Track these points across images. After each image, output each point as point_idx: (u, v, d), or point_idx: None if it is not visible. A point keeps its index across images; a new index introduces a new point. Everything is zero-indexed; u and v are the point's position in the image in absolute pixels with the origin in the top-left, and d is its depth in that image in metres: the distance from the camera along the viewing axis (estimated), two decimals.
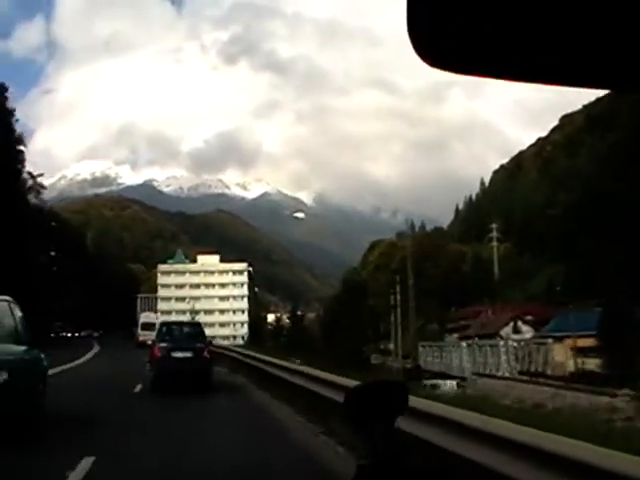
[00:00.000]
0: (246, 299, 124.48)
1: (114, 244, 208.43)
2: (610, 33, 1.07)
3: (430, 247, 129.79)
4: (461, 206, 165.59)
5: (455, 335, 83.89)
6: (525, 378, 43.18)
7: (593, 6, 1.06)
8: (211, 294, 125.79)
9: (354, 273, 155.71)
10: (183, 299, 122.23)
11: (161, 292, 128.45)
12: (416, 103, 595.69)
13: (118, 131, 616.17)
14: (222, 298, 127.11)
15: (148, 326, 71.52)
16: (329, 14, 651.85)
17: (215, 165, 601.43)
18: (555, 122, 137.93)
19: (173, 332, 23.62)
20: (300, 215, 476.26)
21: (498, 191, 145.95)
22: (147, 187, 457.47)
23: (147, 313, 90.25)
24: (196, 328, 24.61)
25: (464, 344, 49.45)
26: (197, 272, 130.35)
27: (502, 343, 47.91)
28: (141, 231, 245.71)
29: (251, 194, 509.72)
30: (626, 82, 1.18)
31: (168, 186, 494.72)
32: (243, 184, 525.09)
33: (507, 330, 73.87)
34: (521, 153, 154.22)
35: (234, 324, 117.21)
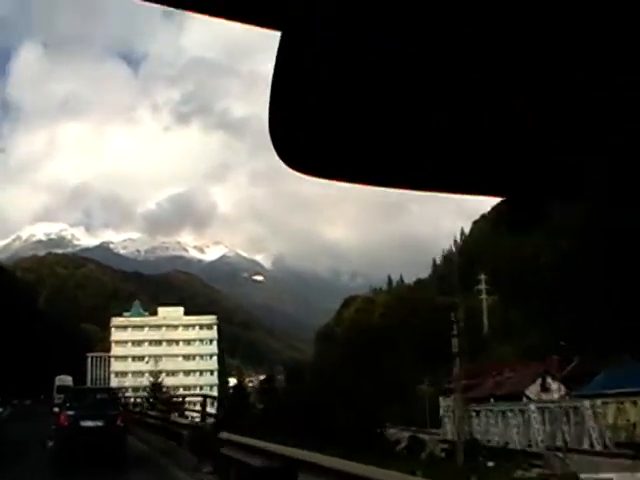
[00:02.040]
0: (215, 358, 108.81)
1: (67, 303, 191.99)
2: (459, 138, 1.12)
3: (413, 300, 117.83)
4: (438, 260, 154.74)
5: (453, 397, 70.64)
6: (630, 452, 29.89)
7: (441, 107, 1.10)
8: (174, 352, 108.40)
9: (328, 328, 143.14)
10: (142, 358, 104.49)
11: (115, 350, 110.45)
12: None
13: (71, 193, 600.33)
14: (187, 357, 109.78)
15: (64, 390, 58.11)
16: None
17: (170, 227, 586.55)
18: None
19: (82, 398, 21.82)
20: (259, 278, 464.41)
21: (480, 242, 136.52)
22: (103, 249, 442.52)
23: (62, 376, 76.37)
24: (109, 393, 23.65)
25: (532, 406, 35.58)
26: (158, 326, 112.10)
27: (587, 404, 34.08)
28: (96, 291, 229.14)
29: (209, 256, 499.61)
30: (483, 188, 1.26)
31: (125, 248, 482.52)
32: (200, 247, 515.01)
33: (533, 389, 61.42)
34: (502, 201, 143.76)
35: (201, 387, 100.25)
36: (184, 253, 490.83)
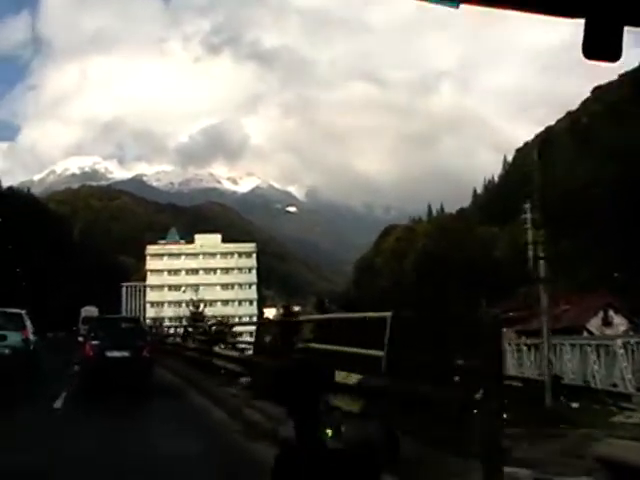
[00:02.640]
0: (255, 287, 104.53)
1: (101, 235, 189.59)
2: None
3: (455, 231, 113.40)
4: (479, 189, 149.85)
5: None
6: None
7: None
8: (212, 281, 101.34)
9: (365, 260, 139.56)
10: (178, 287, 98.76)
11: (151, 279, 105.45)
12: (405, 96, 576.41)
13: (104, 127, 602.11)
14: (226, 286, 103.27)
15: (90, 321, 55.21)
16: (315, 3, 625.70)
17: (203, 160, 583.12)
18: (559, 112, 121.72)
19: (108, 328, 20.58)
20: (292, 209, 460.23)
21: (525, 170, 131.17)
22: (136, 182, 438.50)
23: (88, 307, 75.50)
24: (135, 323, 22.60)
25: (619, 342, 31.16)
26: (195, 254, 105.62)
27: None
28: (130, 223, 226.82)
29: (242, 188, 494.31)
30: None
31: (158, 180, 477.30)
32: (234, 178, 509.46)
33: (594, 322, 57.59)
34: (549, 129, 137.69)
35: (240, 318, 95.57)
36: (217, 185, 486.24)
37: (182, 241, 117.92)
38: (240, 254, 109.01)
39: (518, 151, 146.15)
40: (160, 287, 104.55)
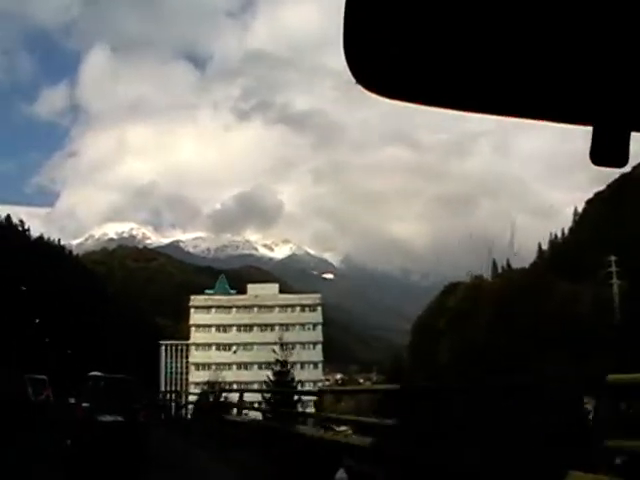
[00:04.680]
0: (320, 347, 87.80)
1: (137, 296, 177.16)
2: (549, 62, 1.12)
3: (531, 287, 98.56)
4: (545, 245, 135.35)
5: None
6: None
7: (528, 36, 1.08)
8: (269, 339, 78.73)
9: (423, 320, 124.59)
10: (228, 347, 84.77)
11: (195, 336, 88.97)
12: (440, 158, 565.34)
13: (138, 194, 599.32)
14: (285, 346, 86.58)
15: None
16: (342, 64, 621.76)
17: (236, 226, 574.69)
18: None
19: (101, 389, 19.11)
20: (329, 276, 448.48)
21: (598, 222, 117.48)
22: (174, 248, 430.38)
23: (94, 373, 58.37)
24: (131, 384, 20.56)
25: None
26: (248, 307, 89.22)
27: None
28: (167, 284, 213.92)
29: (278, 254, 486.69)
30: (565, 114, 1.23)
31: (195, 247, 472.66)
32: (269, 245, 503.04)
33: None
34: (623, 177, 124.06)
35: (302, 383, 79.95)
36: (253, 252, 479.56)
37: (233, 291, 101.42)
38: (303, 307, 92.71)
39: (588, 203, 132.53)
40: (207, 346, 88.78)
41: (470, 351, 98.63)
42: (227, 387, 34.47)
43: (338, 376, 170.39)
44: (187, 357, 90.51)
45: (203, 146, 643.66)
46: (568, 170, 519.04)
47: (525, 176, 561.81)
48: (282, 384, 29.00)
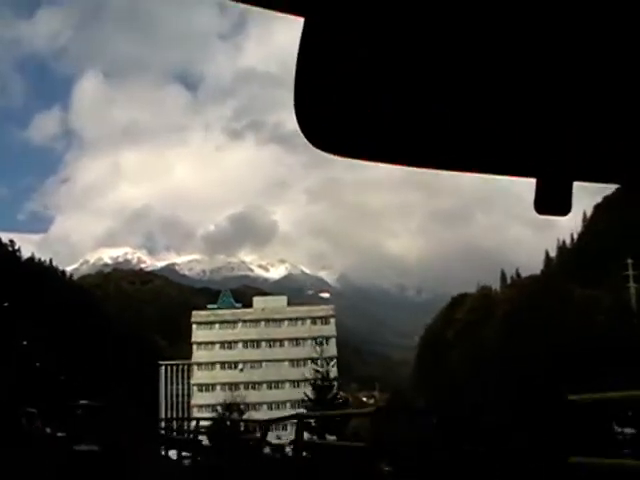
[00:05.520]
0: (335, 363, 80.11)
1: (133, 317, 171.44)
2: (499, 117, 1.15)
3: (547, 293, 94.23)
4: (552, 252, 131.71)
5: None
6: None
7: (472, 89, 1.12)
8: (278, 356, 77.83)
9: (431, 333, 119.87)
10: (234, 365, 76.59)
11: (198, 355, 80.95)
12: (432, 173, 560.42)
13: (132, 218, 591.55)
14: (296, 362, 77.90)
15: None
16: None
17: (231, 248, 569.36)
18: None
19: (79, 416, 19.69)
20: (325, 295, 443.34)
21: (608, 226, 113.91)
22: (169, 270, 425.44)
23: (83, 402, 54.46)
24: (110, 411, 20.94)
25: None
26: (255, 321, 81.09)
27: None
28: (164, 305, 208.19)
29: (274, 275, 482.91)
30: (515, 168, 1.27)
31: (190, 269, 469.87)
32: (265, 265, 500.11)
33: None
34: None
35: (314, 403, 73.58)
36: (249, 272, 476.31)
37: (239, 305, 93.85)
38: (314, 320, 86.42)
39: (597, 207, 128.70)
40: (210, 365, 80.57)
41: (482, 360, 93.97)
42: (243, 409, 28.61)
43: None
44: (189, 378, 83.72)
45: (196, 168, 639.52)
46: None
47: (518, 188, 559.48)
48: (325, 403, 23.73)
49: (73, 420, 19.04)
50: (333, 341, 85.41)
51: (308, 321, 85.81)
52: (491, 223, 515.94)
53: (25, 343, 66.72)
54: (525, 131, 1.17)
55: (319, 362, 28.22)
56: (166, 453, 27.20)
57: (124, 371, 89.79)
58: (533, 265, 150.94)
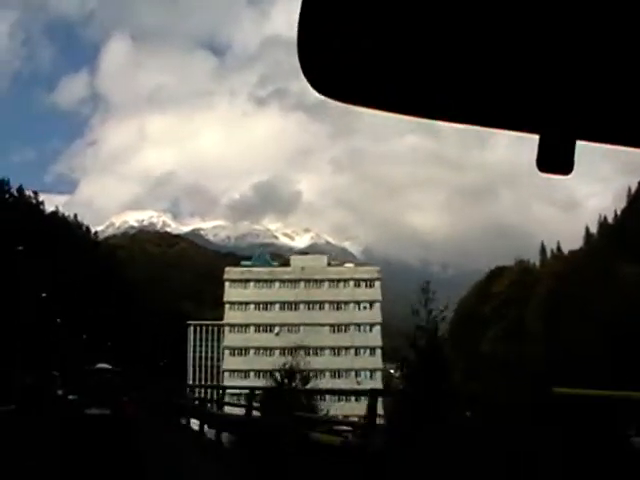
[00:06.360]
0: (379, 330, 76.85)
1: (159, 280, 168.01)
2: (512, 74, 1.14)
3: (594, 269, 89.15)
4: (593, 228, 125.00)
5: None
6: None
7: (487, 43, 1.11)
8: (318, 319, 71.60)
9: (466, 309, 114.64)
10: (270, 328, 70.64)
11: (230, 315, 74.84)
12: (460, 148, 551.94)
13: (157, 183, 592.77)
14: (337, 327, 73.47)
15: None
16: None
17: (254, 216, 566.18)
18: None
19: (89, 382, 18.73)
20: (350, 266, 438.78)
21: None
22: (194, 235, 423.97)
23: (101, 365, 50.26)
24: (118, 377, 20.11)
25: None
26: (294, 281, 74.38)
27: None
28: (190, 269, 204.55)
29: (299, 243, 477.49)
30: (520, 123, 1.26)
31: (215, 235, 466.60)
32: (290, 234, 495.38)
33: None
34: None
35: (357, 373, 69.94)
36: (274, 240, 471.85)
37: (275, 263, 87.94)
38: (357, 282, 79.44)
39: None
40: (244, 327, 73.98)
41: (521, 340, 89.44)
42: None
43: None
44: (219, 340, 78.85)
45: (221, 135, 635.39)
46: (590, 162, 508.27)
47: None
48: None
49: (87, 383, 17.92)
50: (377, 306, 79.80)
51: (351, 283, 79.99)
52: (516, 201, 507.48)
53: (44, 295, 62.70)
54: (528, 84, 1.16)
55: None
56: (187, 422, 24.92)
57: (149, 332, 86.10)
58: (565, 243, 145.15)
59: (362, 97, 1.16)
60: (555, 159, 1.26)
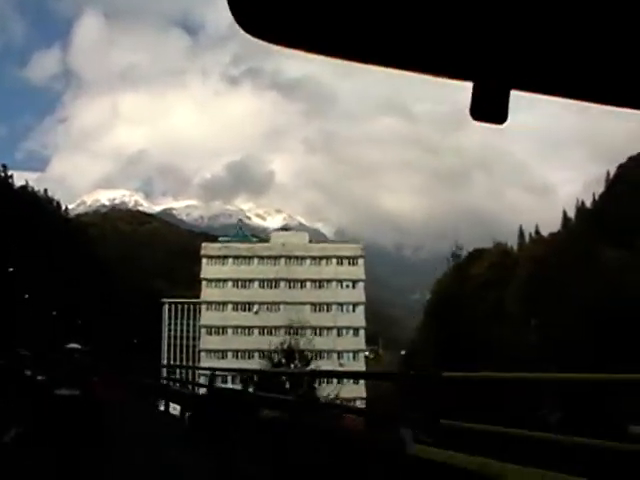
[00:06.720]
0: (362, 309, 75.11)
1: (131, 259, 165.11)
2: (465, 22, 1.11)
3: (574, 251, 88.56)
4: (570, 212, 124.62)
5: None
6: None
7: None
8: (299, 298, 68.49)
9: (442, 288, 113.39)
10: (248, 306, 67.06)
11: (207, 292, 71.37)
12: (435, 131, 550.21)
13: (129, 161, 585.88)
14: (319, 306, 71.14)
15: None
16: None
17: (227, 196, 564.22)
18: None
19: (59, 361, 17.45)
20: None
21: (633, 186, 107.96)
22: (166, 215, 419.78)
23: (72, 345, 47.29)
24: (87, 356, 18.66)
25: None
26: (274, 257, 71.58)
27: None
28: (162, 249, 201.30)
29: (271, 224, 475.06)
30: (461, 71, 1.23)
31: (188, 215, 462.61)
32: (262, 214, 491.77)
33: None
34: None
35: (339, 354, 68.26)
36: (247, 221, 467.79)
37: (255, 239, 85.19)
38: (340, 259, 76.81)
39: (620, 167, 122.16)
40: (221, 304, 70.45)
41: (503, 321, 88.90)
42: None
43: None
44: (195, 319, 76.40)
45: (194, 114, 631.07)
46: (564, 147, 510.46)
47: (519, 152, 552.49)
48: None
49: (57, 363, 17.03)
50: (361, 285, 77.84)
51: (334, 261, 77.60)
52: (490, 186, 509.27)
53: (11, 270, 60.04)
54: (463, 30, 1.11)
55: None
56: (166, 408, 24.06)
57: (120, 310, 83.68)
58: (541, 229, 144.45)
59: (293, 38, 1.09)
60: (489, 107, 1.22)
